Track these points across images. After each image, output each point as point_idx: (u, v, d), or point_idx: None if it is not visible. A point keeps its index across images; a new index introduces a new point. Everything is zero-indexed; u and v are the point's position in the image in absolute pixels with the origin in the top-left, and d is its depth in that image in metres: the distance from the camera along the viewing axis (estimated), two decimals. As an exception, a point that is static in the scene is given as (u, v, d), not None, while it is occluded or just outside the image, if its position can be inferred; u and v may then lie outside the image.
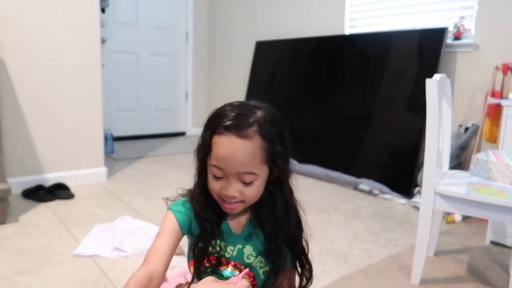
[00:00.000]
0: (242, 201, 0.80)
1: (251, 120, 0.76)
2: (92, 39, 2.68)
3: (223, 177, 0.78)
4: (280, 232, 0.84)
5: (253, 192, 0.79)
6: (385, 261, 1.76)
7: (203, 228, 0.83)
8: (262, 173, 0.79)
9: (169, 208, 0.85)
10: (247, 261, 0.86)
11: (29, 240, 1.83)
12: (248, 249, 0.86)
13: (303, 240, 0.90)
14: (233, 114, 0.76)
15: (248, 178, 0.77)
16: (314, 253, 1.81)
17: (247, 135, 0.74)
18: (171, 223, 0.82)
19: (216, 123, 0.77)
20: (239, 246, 0.86)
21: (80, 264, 1.64)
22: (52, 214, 2.17)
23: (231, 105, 0.80)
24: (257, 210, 0.85)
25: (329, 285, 1.55)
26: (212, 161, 0.77)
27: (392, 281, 1.59)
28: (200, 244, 0.84)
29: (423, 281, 1.57)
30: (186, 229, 0.84)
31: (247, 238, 0.86)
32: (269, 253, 0.86)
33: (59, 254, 1.71)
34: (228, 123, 0.75)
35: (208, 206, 0.84)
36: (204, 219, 0.83)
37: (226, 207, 0.81)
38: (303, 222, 0.90)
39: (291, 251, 0.89)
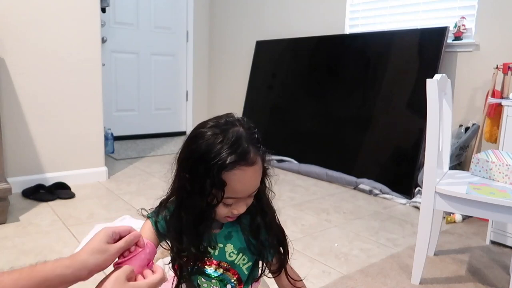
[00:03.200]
0: None
1: (245, 144, 0.76)
2: (93, 39, 2.68)
3: (229, 204, 0.80)
4: (260, 223, 0.88)
5: (251, 201, 0.84)
6: (385, 261, 1.76)
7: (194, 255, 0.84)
8: None
9: (147, 216, 0.89)
10: (229, 259, 0.87)
11: (30, 240, 1.84)
12: (229, 247, 0.87)
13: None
14: (227, 145, 0.75)
15: (254, 192, 0.82)
16: (315, 253, 1.81)
17: (253, 161, 0.76)
18: (149, 230, 0.86)
19: (217, 160, 0.74)
20: (220, 245, 0.87)
21: (81, 263, 1.64)
22: (52, 214, 2.17)
23: (214, 133, 0.77)
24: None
25: (329, 284, 1.55)
26: (227, 194, 0.76)
27: (392, 281, 1.59)
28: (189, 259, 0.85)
29: (423, 281, 1.57)
30: (160, 236, 0.86)
31: (227, 237, 0.88)
32: (253, 248, 0.88)
33: (59, 253, 1.71)
34: (233, 157, 0.74)
35: (196, 232, 0.83)
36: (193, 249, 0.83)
37: (228, 220, 0.84)
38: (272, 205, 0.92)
39: (271, 234, 0.89)
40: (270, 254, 0.89)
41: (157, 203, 0.90)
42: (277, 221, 0.91)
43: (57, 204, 2.32)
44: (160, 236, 0.86)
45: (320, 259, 1.75)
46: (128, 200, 2.43)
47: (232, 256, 0.87)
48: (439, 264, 1.75)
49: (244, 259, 0.88)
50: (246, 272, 0.89)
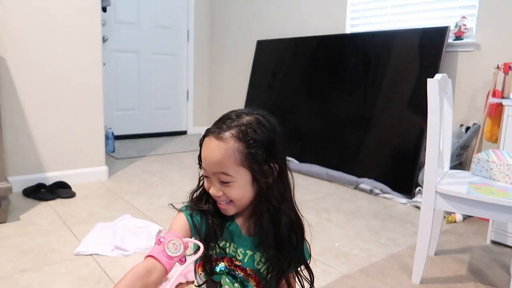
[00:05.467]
0: (232, 202, 0.83)
1: (233, 124, 0.80)
2: (93, 38, 2.68)
3: (208, 177, 0.84)
4: (270, 238, 0.86)
5: (235, 193, 0.82)
6: (386, 261, 1.76)
7: (209, 225, 0.86)
8: (240, 175, 0.81)
9: (180, 210, 0.88)
10: (257, 267, 0.88)
11: (30, 239, 1.84)
12: (258, 256, 0.88)
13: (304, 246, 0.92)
14: (222, 119, 0.83)
15: (223, 178, 0.81)
16: (315, 253, 1.80)
17: (222, 137, 0.79)
18: (181, 222, 0.85)
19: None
20: (251, 252, 0.88)
21: (81, 263, 1.64)
22: (53, 213, 2.17)
23: (232, 111, 0.85)
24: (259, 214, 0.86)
25: (329, 284, 1.55)
26: (203, 161, 0.84)
27: (393, 281, 1.59)
28: (208, 243, 0.86)
29: (423, 281, 1.57)
30: (195, 230, 0.85)
31: (258, 246, 0.88)
32: (269, 257, 0.87)
33: (60, 252, 1.72)
34: (213, 127, 0.82)
35: (209, 202, 0.87)
36: (207, 215, 0.86)
37: (220, 207, 0.85)
38: (304, 228, 0.92)
39: (287, 256, 0.88)
40: (291, 269, 0.90)
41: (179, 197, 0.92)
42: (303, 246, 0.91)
43: (58, 203, 2.32)
44: (195, 229, 0.85)
45: (321, 259, 1.75)
46: (128, 200, 2.43)
47: (259, 265, 0.88)
48: (439, 264, 1.75)
49: (269, 268, 0.88)
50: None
